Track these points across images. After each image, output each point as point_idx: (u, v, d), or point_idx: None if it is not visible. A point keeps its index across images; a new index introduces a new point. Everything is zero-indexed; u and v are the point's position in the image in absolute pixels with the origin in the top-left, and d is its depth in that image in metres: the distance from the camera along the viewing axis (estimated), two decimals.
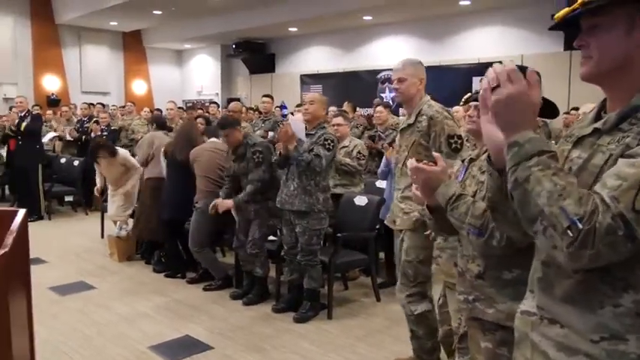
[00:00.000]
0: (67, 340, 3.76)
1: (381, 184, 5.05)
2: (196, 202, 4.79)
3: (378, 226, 4.47)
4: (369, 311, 4.34)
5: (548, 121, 6.83)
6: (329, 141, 3.92)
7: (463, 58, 10.95)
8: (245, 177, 4.40)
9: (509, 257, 1.64)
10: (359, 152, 5.01)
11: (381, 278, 4.87)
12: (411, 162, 1.77)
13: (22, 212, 2.01)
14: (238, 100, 12.67)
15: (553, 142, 2.10)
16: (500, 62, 1.21)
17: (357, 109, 8.98)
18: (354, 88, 12.70)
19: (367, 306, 4.46)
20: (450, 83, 9.91)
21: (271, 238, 4.61)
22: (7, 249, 1.73)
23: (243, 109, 7.37)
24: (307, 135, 3.98)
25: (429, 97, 3.11)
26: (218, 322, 4.10)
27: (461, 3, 10.24)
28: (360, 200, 4.48)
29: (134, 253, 5.80)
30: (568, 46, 9.35)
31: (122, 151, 5.91)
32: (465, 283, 1.83)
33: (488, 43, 10.79)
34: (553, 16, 1.36)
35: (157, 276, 5.23)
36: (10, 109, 9.38)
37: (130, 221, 5.82)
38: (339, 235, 4.27)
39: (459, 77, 10.58)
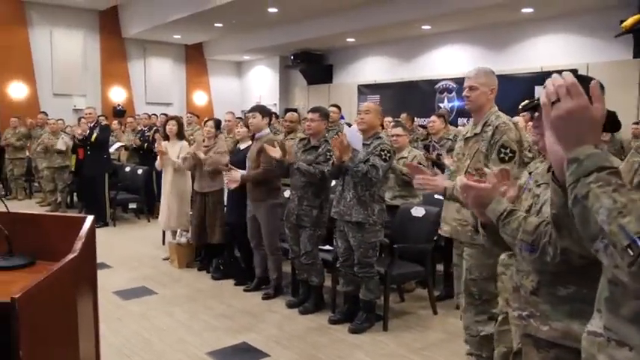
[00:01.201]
0: (129, 343, 3.89)
1: (439, 195, 4.98)
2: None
3: (435, 238, 4.40)
4: (425, 324, 4.27)
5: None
6: (385, 151, 3.89)
7: (525, 67, 10.66)
8: (299, 175, 4.39)
9: (564, 273, 1.58)
10: (418, 163, 4.94)
11: (437, 291, 4.78)
12: (460, 179, 1.75)
13: (90, 219, 2.09)
14: (295, 110, 12.82)
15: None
16: (560, 73, 1.17)
17: (415, 119, 8.89)
18: (412, 98, 12.59)
19: (424, 319, 4.38)
20: (512, 93, 9.62)
21: (327, 247, 4.61)
22: (76, 253, 1.80)
23: (300, 119, 7.43)
24: (363, 145, 3.96)
25: (497, 108, 3.06)
26: (274, 330, 4.13)
27: (523, 11, 9.99)
28: (418, 211, 4.43)
29: (193, 260, 5.93)
30: (638, 53, 8.95)
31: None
32: (520, 299, 1.77)
33: (551, 52, 10.47)
34: (621, 22, 1.31)
35: (215, 283, 5.32)
36: (79, 119, 9.83)
37: (190, 228, 5.96)
38: (395, 246, 4.23)
39: (520, 87, 10.30)
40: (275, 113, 10.52)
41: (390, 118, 8.41)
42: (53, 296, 1.69)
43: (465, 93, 3.05)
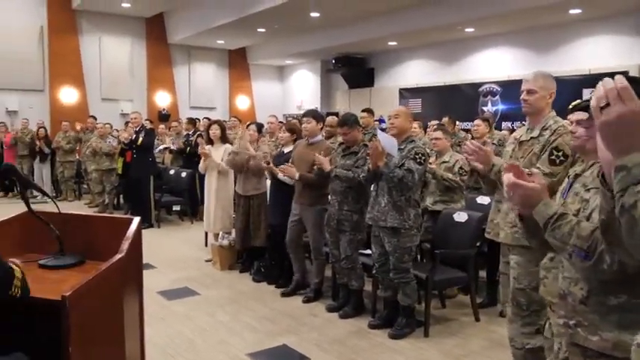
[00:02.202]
0: (173, 342, 3.96)
1: (482, 200, 4.89)
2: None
3: (479, 244, 4.33)
4: (467, 331, 4.20)
5: None
6: (420, 154, 3.85)
7: (572, 70, 10.37)
8: (338, 180, 4.39)
9: (616, 282, 1.51)
10: (461, 168, 4.87)
11: (480, 297, 4.70)
12: (508, 177, 1.69)
13: (136, 220, 2.15)
14: (337, 114, 12.82)
15: None
16: (612, 76, 1.12)
17: (457, 123, 8.77)
18: (455, 101, 12.43)
19: (465, 326, 4.31)
20: (559, 96, 9.39)
21: (367, 252, 4.60)
22: (123, 254, 1.86)
23: None
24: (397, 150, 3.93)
25: (554, 112, 3.00)
26: (314, 333, 4.14)
27: (571, 12, 9.74)
28: (460, 216, 4.36)
29: (235, 262, 6.00)
30: None
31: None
32: (567, 307, 1.71)
33: (599, 53, 10.16)
34: None
35: (256, 285, 5.38)
36: (126, 123, 10.11)
37: (233, 231, 6.04)
38: (437, 251, 4.18)
39: (568, 89, 9.96)
40: None
41: (434, 122, 8.33)
42: (101, 295, 1.74)
43: (522, 96, 2.98)
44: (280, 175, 4.87)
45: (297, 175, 4.67)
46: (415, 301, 4.09)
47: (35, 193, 7.86)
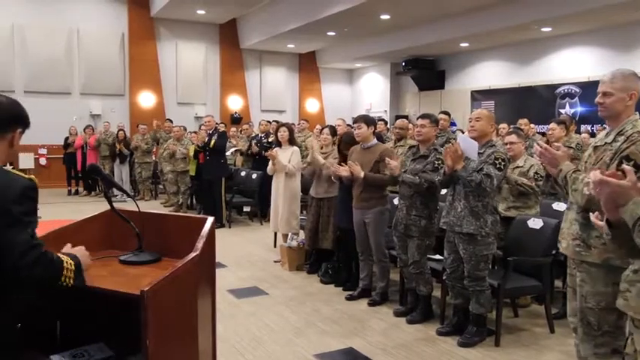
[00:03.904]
0: (241, 340, 4.05)
1: (558, 206, 4.70)
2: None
3: (554, 252, 4.16)
4: (541, 343, 4.04)
5: None
6: (500, 160, 3.74)
7: None
8: (405, 185, 4.34)
9: None
10: (536, 172, 4.69)
11: (555, 308, 4.51)
12: (595, 173, 1.59)
13: (210, 220, 2.21)
14: (406, 117, 12.71)
15: None
16: None
17: (532, 125, 8.48)
18: (530, 103, 12.03)
19: (539, 337, 4.16)
20: None
21: (437, 257, 4.52)
22: (197, 252, 1.92)
23: (410, 125, 7.35)
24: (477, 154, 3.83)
25: (638, 116, 2.68)
26: (381, 337, 4.12)
27: None
28: (535, 223, 4.21)
29: (303, 263, 6.07)
30: None
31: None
32: None
33: None
34: None
35: (323, 287, 5.41)
36: (200, 126, 10.44)
37: (301, 232, 6.11)
38: (510, 258, 4.05)
39: None
40: (384, 121, 10.50)
41: (505, 125, 8.09)
42: (177, 291, 1.81)
43: (597, 99, 2.71)
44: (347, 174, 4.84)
45: (362, 174, 4.67)
46: (488, 310, 3.98)
47: (115, 192, 8.26)
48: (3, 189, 1.68)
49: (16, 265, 1.65)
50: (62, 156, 12.60)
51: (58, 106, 13.61)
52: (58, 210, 9.96)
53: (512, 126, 7.10)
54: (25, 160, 12.97)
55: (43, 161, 13.64)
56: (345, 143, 5.21)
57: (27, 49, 13.33)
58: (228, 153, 9.44)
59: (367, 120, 4.92)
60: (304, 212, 6.33)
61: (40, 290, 1.99)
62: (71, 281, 1.79)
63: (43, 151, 13.61)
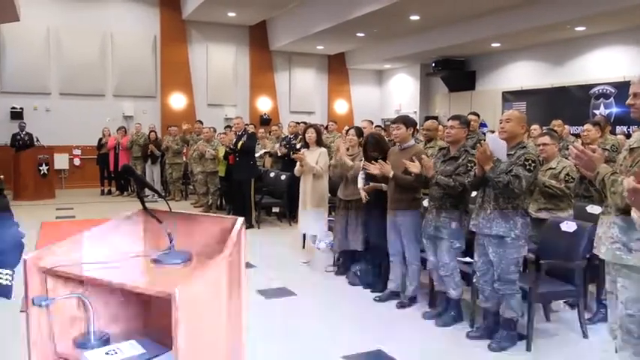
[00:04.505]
0: (269, 340, 4.07)
1: (593, 209, 4.60)
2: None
3: (588, 255, 4.07)
4: (573, 348, 3.96)
5: None
6: (530, 161, 3.68)
7: None
8: (437, 187, 4.31)
9: None
10: (567, 174, 4.61)
11: (589, 313, 4.42)
12: (628, 182, 1.56)
13: (240, 220, 2.23)
14: (436, 118, 12.61)
15: None
16: None
17: (566, 127, 8.32)
18: (563, 104, 11.81)
19: (572, 342, 4.07)
20: None
21: (467, 259, 4.48)
22: (227, 252, 1.93)
23: (440, 127, 7.27)
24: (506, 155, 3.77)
25: None
26: (410, 340, 4.09)
27: None
28: (569, 226, 4.12)
29: (332, 264, 6.06)
30: None
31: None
32: None
33: None
34: None
35: (352, 288, 5.40)
36: (230, 127, 10.54)
37: (330, 234, 6.11)
38: (542, 262, 3.98)
39: None
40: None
41: (536, 126, 7.96)
42: (207, 291, 1.83)
43: (628, 101, 2.65)
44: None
45: (391, 174, 4.66)
46: (519, 314, 3.92)
47: (147, 192, 8.40)
48: None
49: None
50: (95, 157, 12.87)
51: (91, 107, 13.91)
52: (92, 209, 10.18)
53: (544, 127, 6.98)
54: (60, 161, 13.30)
55: (77, 162, 13.96)
56: (370, 144, 5.18)
57: (62, 52, 13.66)
58: (257, 155, 9.50)
59: (406, 121, 4.90)
60: (332, 213, 6.34)
61: (73, 286, 2.03)
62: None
63: (77, 151, 13.93)
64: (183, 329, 1.71)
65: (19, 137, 12.39)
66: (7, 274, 2.08)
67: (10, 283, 2.09)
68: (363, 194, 5.23)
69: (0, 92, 13.16)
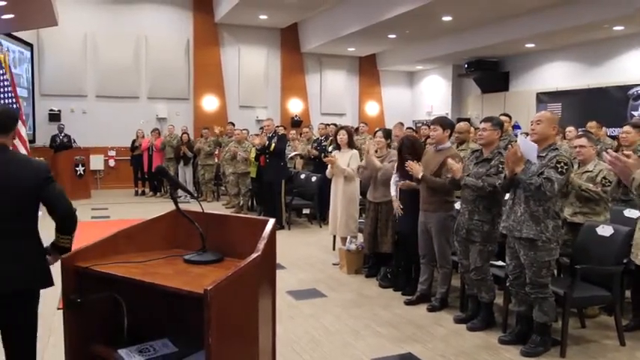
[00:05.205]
0: (299, 341, 4.08)
1: (631, 213, 4.48)
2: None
3: (625, 261, 3.96)
4: (610, 355, 3.86)
5: None
6: (562, 163, 3.60)
7: None
8: (468, 189, 4.25)
9: None
10: (604, 178, 4.48)
11: (626, 319, 4.30)
12: None
13: (271, 222, 2.25)
14: (468, 120, 12.46)
15: None
16: None
17: (603, 128, 8.13)
18: (600, 105, 11.53)
19: (608, 349, 3.97)
20: None
21: (499, 263, 4.41)
22: (259, 253, 1.95)
23: (472, 129, 7.18)
24: (537, 157, 3.70)
25: None
26: (440, 344, 4.05)
27: None
28: (605, 230, 4.02)
29: (362, 266, 6.05)
30: None
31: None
32: None
33: None
34: None
35: (382, 291, 5.37)
36: (262, 129, 10.61)
37: (360, 235, 6.10)
38: (577, 267, 3.89)
39: None
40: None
41: (571, 128, 7.80)
42: (239, 291, 1.85)
43: None
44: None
45: (420, 174, 4.63)
46: (553, 319, 3.84)
47: (180, 193, 8.51)
48: (38, 165, 2.61)
49: (67, 203, 2.56)
50: (129, 158, 13.11)
51: (126, 110, 14.19)
52: (126, 210, 10.37)
53: (580, 129, 6.82)
54: (96, 162, 13.61)
55: (112, 163, 14.24)
56: (405, 147, 5.16)
57: (98, 56, 13.96)
58: (288, 157, 9.54)
59: (443, 122, 4.86)
60: (363, 215, 6.32)
61: (108, 285, 2.08)
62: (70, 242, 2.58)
63: (112, 153, 14.22)
64: (214, 329, 1.73)
65: (58, 139, 12.76)
66: (68, 238, 2.60)
67: (69, 246, 2.57)
68: (396, 204, 5.21)
69: (39, 95, 13.53)
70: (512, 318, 4.20)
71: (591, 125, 7.74)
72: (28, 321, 2.53)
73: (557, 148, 3.74)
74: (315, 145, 9.64)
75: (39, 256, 2.54)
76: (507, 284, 4.04)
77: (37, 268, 2.51)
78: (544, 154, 3.69)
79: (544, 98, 13.34)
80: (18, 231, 2.47)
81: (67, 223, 2.59)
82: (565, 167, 3.60)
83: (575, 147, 4.73)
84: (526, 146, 3.65)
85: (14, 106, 6.54)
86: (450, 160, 4.37)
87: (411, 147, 5.11)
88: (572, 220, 4.52)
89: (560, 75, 13.21)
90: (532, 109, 13.19)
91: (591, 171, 4.56)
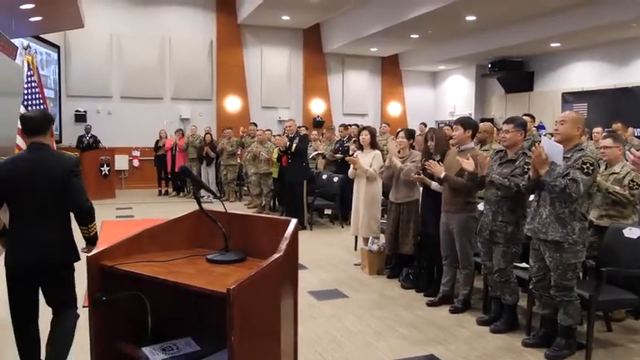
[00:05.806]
0: (321, 341, 4.09)
1: None
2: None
3: None
4: (636, 359, 3.80)
5: None
6: (588, 164, 3.54)
7: None
8: (493, 189, 4.21)
9: None
10: (632, 180, 4.39)
11: None
12: None
13: (294, 222, 2.26)
14: (491, 120, 12.34)
15: None
16: None
17: (630, 129, 7.98)
18: (627, 105, 11.31)
19: (635, 353, 3.90)
20: None
21: (523, 265, 4.36)
22: (281, 253, 1.96)
23: (494, 129, 7.10)
24: (563, 158, 3.65)
25: None
26: (463, 346, 4.02)
27: None
28: (632, 232, 3.95)
29: (384, 267, 6.03)
30: None
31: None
32: None
33: None
34: None
35: (404, 292, 5.35)
36: (284, 130, 10.65)
37: (382, 236, 6.08)
38: (603, 269, 3.83)
39: None
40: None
41: (599, 129, 7.67)
42: (261, 290, 1.86)
43: None
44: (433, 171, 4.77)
45: (442, 174, 4.60)
46: (578, 322, 3.78)
47: (202, 193, 8.57)
48: (68, 159, 3.04)
49: (82, 197, 3.00)
50: (153, 158, 13.26)
51: (150, 110, 14.36)
52: (150, 209, 10.50)
53: (606, 129, 6.71)
54: (120, 162, 13.78)
55: (136, 163, 14.42)
56: (430, 136, 5.12)
57: (123, 58, 14.15)
58: (309, 157, 9.55)
59: (464, 123, 4.81)
60: (385, 216, 6.30)
61: (132, 284, 2.11)
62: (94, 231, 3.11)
63: (137, 153, 14.40)
64: (237, 328, 1.74)
65: (85, 140, 12.97)
66: (85, 229, 3.06)
67: (89, 236, 3.08)
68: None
69: (66, 96, 13.77)
70: (535, 320, 4.15)
71: (617, 127, 7.62)
72: (68, 289, 3.11)
73: (582, 149, 3.68)
74: (337, 146, 9.63)
75: (67, 235, 3.08)
76: (531, 287, 3.99)
77: (68, 243, 3.07)
78: (569, 155, 3.63)
79: (569, 98, 13.14)
80: (54, 213, 3.00)
81: (82, 215, 3.04)
82: (591, 168, 3.54)
83: (600, 148, 4.65)
84: (551, 148, 3.59)
85: (42, 107, 6.67)
86: (457, 157, 4.35)
87: (436, 136, 5.09)
88: (598, 223, 4.44)
89: (586, 75, 13.01)
90: (557, 109, 12.99)
91: (618, 172, 4.48)
